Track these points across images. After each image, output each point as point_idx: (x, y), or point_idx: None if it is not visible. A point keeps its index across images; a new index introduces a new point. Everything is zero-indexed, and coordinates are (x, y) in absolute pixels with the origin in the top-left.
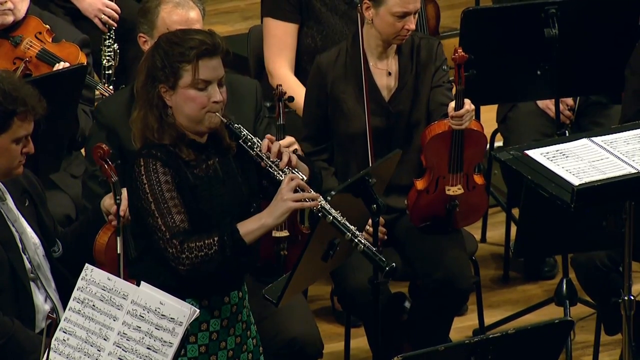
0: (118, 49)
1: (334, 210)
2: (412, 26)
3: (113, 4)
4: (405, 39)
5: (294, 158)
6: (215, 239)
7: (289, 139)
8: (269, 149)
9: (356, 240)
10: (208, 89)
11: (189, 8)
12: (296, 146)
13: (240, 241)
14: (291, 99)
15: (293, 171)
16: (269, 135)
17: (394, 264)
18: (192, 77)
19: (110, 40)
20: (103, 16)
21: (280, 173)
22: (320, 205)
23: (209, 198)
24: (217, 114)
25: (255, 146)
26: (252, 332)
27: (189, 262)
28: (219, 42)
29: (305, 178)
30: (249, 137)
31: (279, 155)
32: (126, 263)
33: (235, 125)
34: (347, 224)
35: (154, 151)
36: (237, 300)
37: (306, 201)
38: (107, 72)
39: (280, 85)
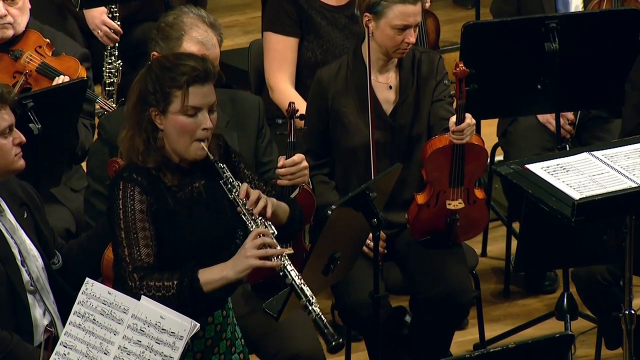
0: (121, 66)
1: (294, 273)
2: (413, 39)
3: (113, 24)
4: (405, 53)
5: (270, 209)
6: (175, 282)
7: (299, 156)
8: (247, 195)
9: (310, 308)
10: (198, 116)
11: (211, 46)
12: (305, 163)
13: (198, 289)
14: (302, 116)
15: (265, 224)
16: (246, 184)
17: (341, 339)
18: (182, 103)
19: (112, 58)
20: (99, 32)
21: (252, 223)
22: (283, 265)
23: (188, 223)
24: (204, 146)
25: (234, 190)
26: (238, 347)
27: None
28: (210, 69)
29: (275, 232)
30: (230, 179)
31: (255, 203)
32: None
33: (220, 165)
34: (305, 289)
35: (134, 175)
36: (220, 319)
37: (269, 260)
38: (107, 88)
39: (293, 102)
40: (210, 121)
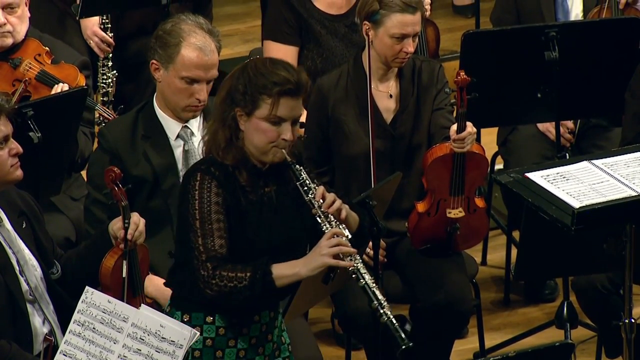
0: (115, 76)
1: (367, 276)
2: (411, 49)
3: (104, 35)
4: (404, 62)
5: (344, 212)
6: (248, 274)
7: None
8: (323, 197)
9: (381, 312)
10: (281, 125)
11: (209, 52)
12: None
13: (270, 283)
14: (303, 125)
15: (340, 226)
16: (322, 187)
17: (411, 344)
18: (269, 111)
19: (105, 68)
20: (91, 42)
21: (327, 225)
22: (356, 267)
23: (256, 224)
24: (283, 150)
25: (310, 192)
26: (284, 352)
27: (217, 288)
28: (303, 83)
29: (349, 236)
30: (307, 181)
31: (331, 205)
32: (130, 286)
33: (297, 167)
34: (377, 292)
35: (212, 169)
36: (267, 320)
37: (342, 260)
38: (102, 98)
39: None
40: (291, 133)
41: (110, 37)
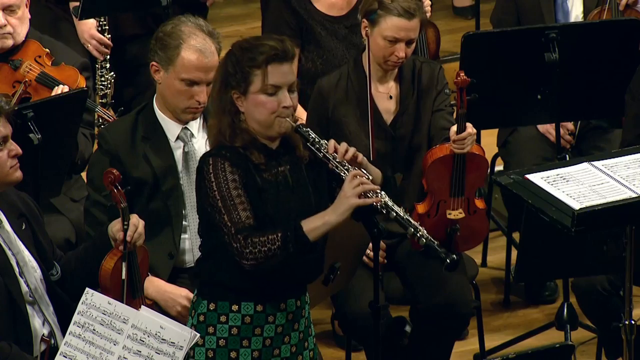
0: (114, 77)
1: (396, 207)
2: (402, 54)
3: (102, 37)
4: (395, 67)
5: (361, 157)
6: (279, 234)
7: None
8: (335, 150)
9: (418, 235)
10: (278, 94)
11: (209, 54)
12: None
13: (303, 237)
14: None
15: (358, 169)
16: (333, 140)
17: (454, 255)
18: (262, 82)
19: (103, 70)
20: (89, 46)
21: (346, 172)
22: (383, 201)
23: (275, 203)
24: (287, 119)
25: (322, 148)
26: (310, 344)
27: (252, 256)
28: (289, 48)
29: (370, 177)
30: (316, 139)
31: (346, 154)
32: (130, 288)
33: (304, 128)
34: (411, 219)
35: (223, 152)
36: (294, 309)
37: (369, 197)
38: (100, 100)
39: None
40: (290, 99)
41: (108, 39)
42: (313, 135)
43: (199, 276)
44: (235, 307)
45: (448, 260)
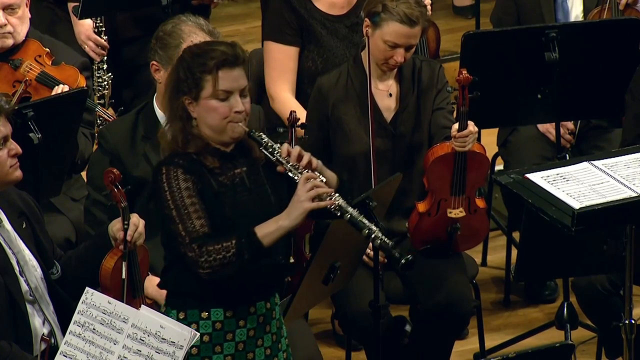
0: (111, 78)
1: (351, 208)
2: (400, 59)
3: (99, 39)
4: (392, 69)
5: (315, 161)
6: (233, 241)
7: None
8: (288, 154)
9: (373, 236)
10: (229, 99)
11: None
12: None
13: (257, 243)
14: (304, 125)
15: (311, 172)
16: (286, 144)
17: (410, 256)
18: (213, 88)
19: (100, 71)
20: (86, 47)
21: (299, 175)
22: (337, 203)
23: (232, 205)
24: (239, 124)
25: (275, 152)
26: (283, 346)
27: (207, 265)
28: (239, 53)
29: (323, 179)
30: (269, 143)
31: (299, 158)
32: (130, 287)
33: (257, 133)
34: (365, 220)
35: (176, 159)
36: (264, 311)
37: (322, 200)
38: (99, 101)
39: (294, 111)
40: (242, 104)
41: (105, 41)
42: (266, 140)
43: (165, 287)
44: (205, 315)
45: (403, 261)
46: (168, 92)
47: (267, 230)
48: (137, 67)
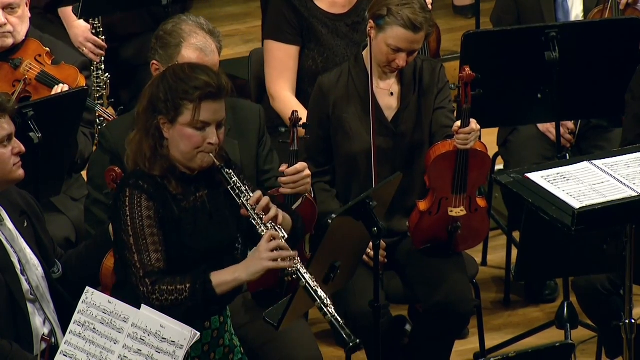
0: (109, 78)
1: (308, 275)
2: (402, 63)
3: (96, 39)
4: (393, 72)
5: (281, 216)
6: (188, 285)
7: (301, 164)
8: (257, 201)
9: (325, 310)
10: (206, 130)
11: (210, 52)
12: (307, 172)
13: (211, 291)
14: (306, 125)
15: (276, 228)
16: (259, 191)
17: (357, 340)
18: (192, 117)
19: (99, 72)
20: (84, 49)
21: (263, 227)
22: (296, 268)
23: (193, 231)
24: (210, 154)
25: (242, 195)
26: (237, 355)
27: (158, 303)
28: (224, 85)
29: (286, 236)
30: (238, 184)
31: (267, 209)
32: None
33: (227, 170)
34: (319, 291)
35: (141, 182)
36: (218, 325)
37: (282, 262)
38: (98, 101)
39: (296, 111)
40: (217, 136)
41: (102, 41)
42: (235, 179)
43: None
44: None
45: (350, 344)
46: (144, 104)
47: (223, 280)
48: (134, 67)
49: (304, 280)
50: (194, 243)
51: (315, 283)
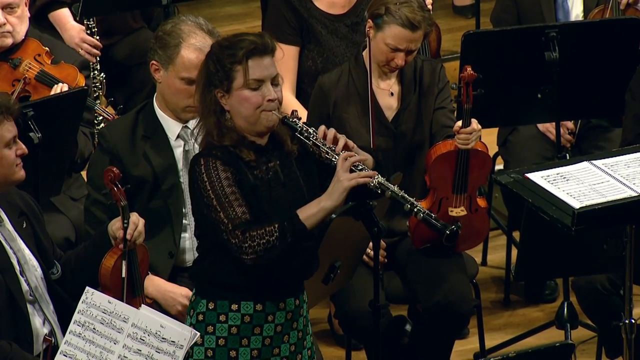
0: (105, 78)
1: (391, 185)
2: (400, 62)
3: (92, 39)
4: (392, 71)
5: (351, 143)
6: (276, 225)
7: None
8: (324, 137)
9: (415, 210)
10: (261, 88)
11: None
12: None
13: (300, 225)
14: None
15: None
16: (323, 126)
17: (453, 227)
18: (244, 78)
19: (95, 72)
20: (80, 50)
21: (337, 157)
22: (377, 180)
23: (268, 199)
24: (273, 112)
25: (312, 136)
26: (308, 343)
27: (251, 250)
28: (268, 42)
29: (363, 158)
30: (304, 128)
31: (335, 140)
32: (130, 286)
33: (291, 119)
34: (407, 195)
35: (214, 151)
36: (292, 307)
37: (362, 179)
38: (96, 101)
39: (296, 111)
40: (274, 92)
41: (97, 40)
42: (301, 125)
43: (197, 277)
44: (234, 307)
45: (447, 232)
46: (200, 87)
47: (310, 212)
48: (127, 68)
49: (389, 192)
50: (271, 210)
51: (401, 190)
